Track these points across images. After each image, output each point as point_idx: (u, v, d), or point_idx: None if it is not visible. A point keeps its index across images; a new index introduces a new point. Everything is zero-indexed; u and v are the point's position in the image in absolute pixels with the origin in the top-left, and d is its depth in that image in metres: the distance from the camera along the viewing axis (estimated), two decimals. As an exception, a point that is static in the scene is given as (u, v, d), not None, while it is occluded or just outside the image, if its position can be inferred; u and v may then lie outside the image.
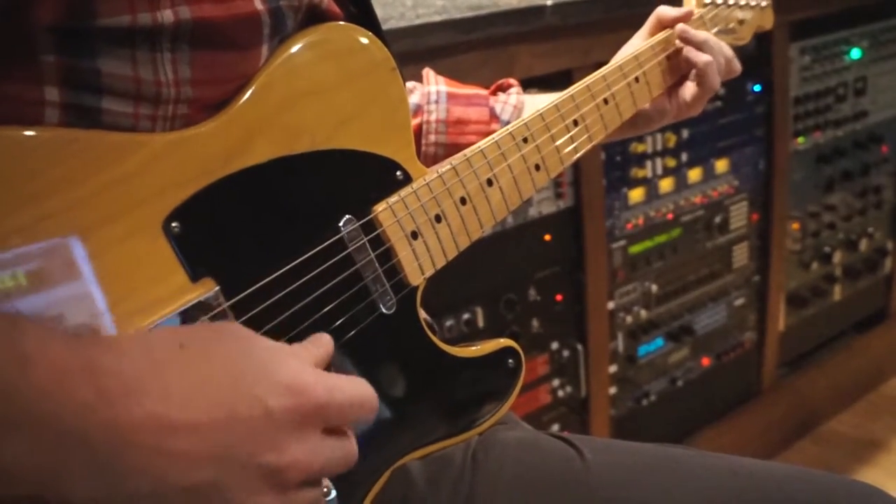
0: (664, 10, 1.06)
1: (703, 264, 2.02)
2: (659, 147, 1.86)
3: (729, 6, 1.14)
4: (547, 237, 1.69)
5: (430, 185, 0.77)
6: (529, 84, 1.38)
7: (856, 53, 2.26)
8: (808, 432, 2.36)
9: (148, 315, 0.59)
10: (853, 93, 2.28)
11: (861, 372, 2.50)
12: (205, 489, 0.50)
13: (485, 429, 0.83)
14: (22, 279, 0.53)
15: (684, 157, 1.91)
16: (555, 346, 1.75)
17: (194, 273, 0.61)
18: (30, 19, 0.56)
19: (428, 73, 1.03)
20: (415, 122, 0.98)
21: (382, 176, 0.75)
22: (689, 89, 1.04)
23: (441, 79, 1.02)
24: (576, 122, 0.91)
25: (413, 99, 1.00)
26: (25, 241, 0.53)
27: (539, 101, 0.99)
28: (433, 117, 0.99)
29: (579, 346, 1.79)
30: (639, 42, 1.06)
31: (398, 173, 0.76)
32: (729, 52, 1.06)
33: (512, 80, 1.07)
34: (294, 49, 0.69)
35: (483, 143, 0.82)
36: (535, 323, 1.70)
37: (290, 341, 0.60)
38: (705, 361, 2.08)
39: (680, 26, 1.04)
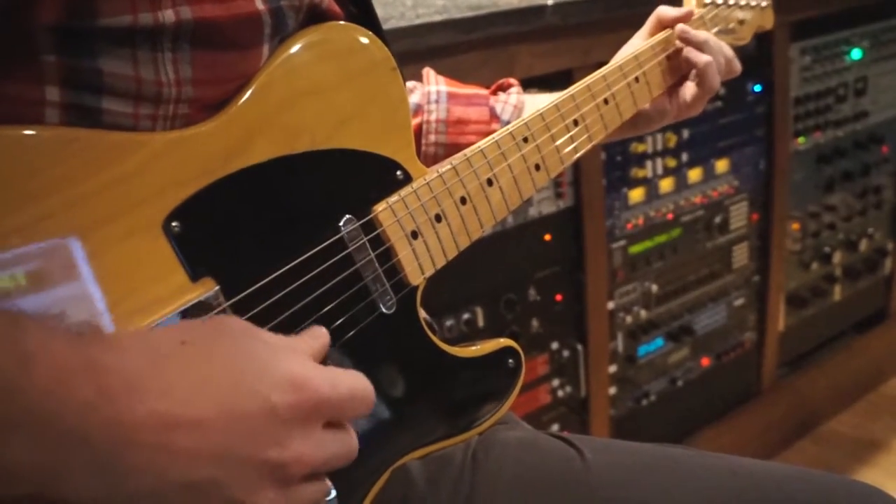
0: (664, 10, 1.06)
1: (703, 264, 2.02)
2: (659, 147, 1.86)
3: (729, 6, 1.14)
4: (547, 237, 1.69)
5: (431, 184, 0.77)
6: (529, 84, 1.37)
7: (856, 54, 2.25)
8: (807, 432, 2.36)
9: (148, 315, 0.59)
10: (853, 93, 2.28)
11: (861, 372, 2.50)
12: (206, 486, 0.50)
13: (485, 429, 0.83)
14: (21, 280, 0.53)
15: (684, 157, 1.91)
16: (555, 346, 1.75)
17: (194, 273, 0.61)
18: (30, 19, 0.56)
19: (428, 72, 1.03)
20: (415, 121, 0.98)
21: (382, 175, 0.75)
22: (689, 89, 1.04)
23: (441, 78, 1.02)
24: (576, 122, 0.91)
25: (413, 98, 1.00)
26: (25, 240, 0.53)
27: (539, 101, 0.99)
28: (433, 117, 0.99)
29: (579, 346, 1.79)
30: (639, 42, 1.06)
31: (398, 173, 0.76)
32: (729, 52, 1.06)
33: (512, 80, 1.07)
34: (294, 49, 0.69)
35: (483, 143, 0.82)
36: (534, 323, 1.70)
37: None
38: (705, 361, 2.08)
39: (680, 26, 1.04)
